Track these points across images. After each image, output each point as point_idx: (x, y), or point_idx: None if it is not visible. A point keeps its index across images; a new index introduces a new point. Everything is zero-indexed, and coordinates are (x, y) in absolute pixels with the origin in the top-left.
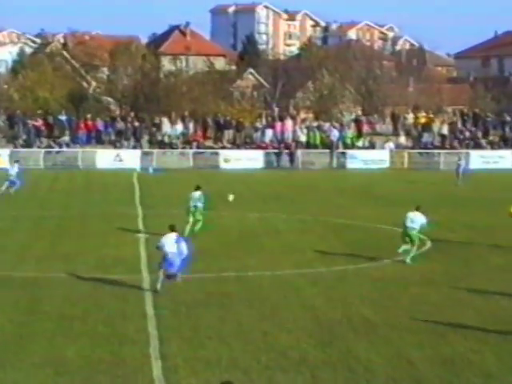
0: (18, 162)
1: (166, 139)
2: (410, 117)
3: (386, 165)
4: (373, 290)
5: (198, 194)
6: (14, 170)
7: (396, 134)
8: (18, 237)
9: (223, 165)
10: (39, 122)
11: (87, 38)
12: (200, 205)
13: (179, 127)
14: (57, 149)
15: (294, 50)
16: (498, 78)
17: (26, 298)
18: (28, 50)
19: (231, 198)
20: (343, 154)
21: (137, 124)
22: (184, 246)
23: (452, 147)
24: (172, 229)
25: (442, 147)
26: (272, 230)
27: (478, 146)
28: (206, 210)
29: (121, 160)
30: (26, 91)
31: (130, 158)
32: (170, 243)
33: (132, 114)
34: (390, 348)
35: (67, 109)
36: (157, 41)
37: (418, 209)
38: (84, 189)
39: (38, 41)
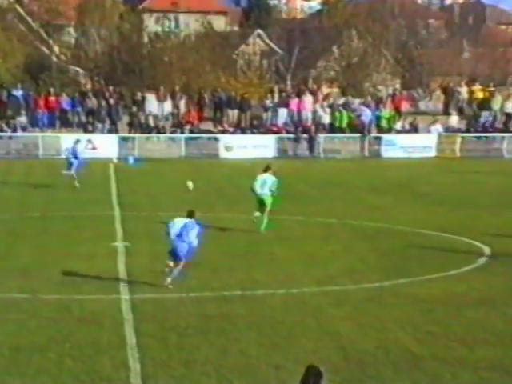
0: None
1: (151, 121)
2: (464, 91)
3: (433, 153)
4: (415, 312)
5: (267, 177)
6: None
7: (446, 113)
8: None
9: (224, 153)
10: None
11: None
12: (269, 192)
13: (168, 106)
14: (10, 133)
15: (315, 5)
16: None
17: None
18: None
19: (191, 185)
20: (378, 139)
21: (113, 101)
22: (193, 235)
23: None
24: (190, 215)
25: (506, 130)
26: (286, 237)
27: None
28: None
29: (93, 147)
30: None
31: (104, 145)
32: (176, 228)
33: (108, 88)
34: None
35: (23, 81)
36: None
37: (266, 170)
38: (46, 184)
39: None
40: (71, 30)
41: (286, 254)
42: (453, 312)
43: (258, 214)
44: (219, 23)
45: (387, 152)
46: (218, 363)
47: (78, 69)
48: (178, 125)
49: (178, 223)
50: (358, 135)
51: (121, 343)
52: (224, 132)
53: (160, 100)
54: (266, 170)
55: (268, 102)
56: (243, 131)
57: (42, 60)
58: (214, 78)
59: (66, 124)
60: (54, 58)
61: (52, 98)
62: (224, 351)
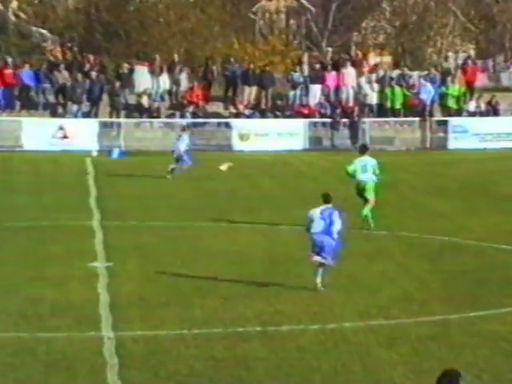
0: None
1: (144, 101)
2: None
3: None
4: (495, 356)
5: (367, 160)
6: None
7: None
8: None
9: (238, 144)
10: None
11: None
12: (373, 177)
13: (164, 81)
14: None
15: None
16: None
17: None
18: None
19: (225, 167)
20: (443, 124)
21: (93, 75)
22: (336, 223)
23: None
24: (326, 199)
25: None
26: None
27: None
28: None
29: (65, 136)
30: None
31: (80, 134)
32: (316, 221)
33: (85, 57)
34: None
35: None
36: None
37: (363, 151)
38: (2, 183)
39: None
40: None
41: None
42: None
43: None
44: None
45: (456, 141)
46: None
47: (43, 31)
48: (178, 106)
49: (316, 214)
50: (417, 119)
51: None
52: (238, 116)
53: (154, 74)
54: (363, 151)
55: (297, 76)
56: (263, 115)
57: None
58: (225, 44)
59: (29, 105)
60: (12, 17)
61: (9, 71)
62: None
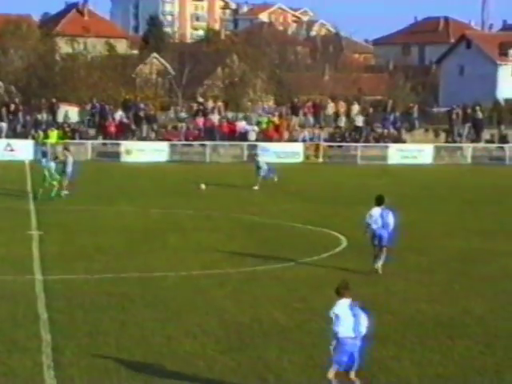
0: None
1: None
2: (331, 106)
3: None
4: (284, 292)
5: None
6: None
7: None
8: None
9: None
10: None
11: None
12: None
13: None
14: None
15: (202, 33)
16: (419, 66)
17: None
18: None
19: (203, 187)
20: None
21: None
22: (390, 218)
23: (367, 140)
24: (377, 202)
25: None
26: (175, 228)
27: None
28: None
29: (12, 150)
30: None
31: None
32: (376, 218)
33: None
34: (302, 354)
35: None
36: (51, 20)
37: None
38: None
39: None
40: None
41: (176, 243)
42: (315, 291)
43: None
44: (121, 46)
45: None
46: (118, 335)
47: None
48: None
49: (376, 213)
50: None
51: (34, 318)
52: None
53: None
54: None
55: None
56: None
57: None
58: (116, 92)
59: None
60: None
61: None
62: (123, 324)
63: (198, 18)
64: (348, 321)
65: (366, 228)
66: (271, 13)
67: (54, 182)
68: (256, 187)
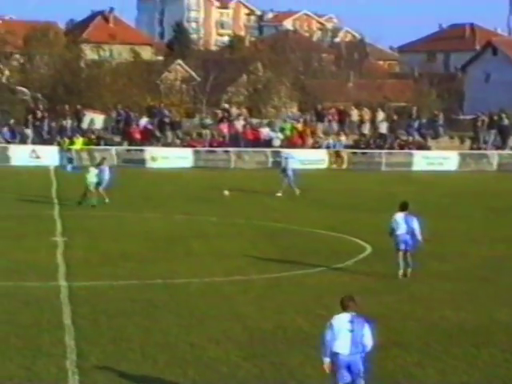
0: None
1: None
2: (355, 113)
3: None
4: (308, 298)
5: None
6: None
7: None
8: None
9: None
10: None
11: None
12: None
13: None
14: None
15: (227, 40)
16: (444, 73)
17: None
18: None
19: (227, 193)
20: None
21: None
22: (415, 224)
23: (391, 147)
24: (401, 208)
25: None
26: (199, 234)
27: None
28: None
29: (37, 157)
30: None
31: (46, 155)
32: (400, 224)
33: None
34: None
35: None
36: (77, 27)
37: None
38: None
39: None
40: (18, 56)
41: (200, 248)
42: (339, 298)
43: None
44: (146, 53)
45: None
46: (142, 341)
47: (24, 89)
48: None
49: (399, 219)
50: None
51: (59, 324)
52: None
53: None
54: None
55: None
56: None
57: None
58: (141, 98)
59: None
60: (4, 80)
61: None
62: (147, 331)
63: (222, 25)
64: (343, 336)
65: (391, 233)
66: (296, 19)
67: (95, 190)
68: (279, 194)
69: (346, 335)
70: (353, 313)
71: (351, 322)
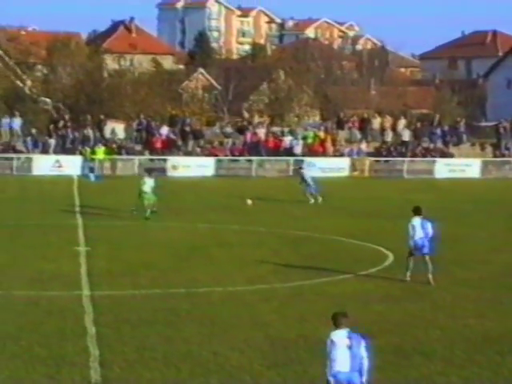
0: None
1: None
2: (377, 121)
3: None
4: (330, 306)
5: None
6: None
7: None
8: None
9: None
10: None
11: (23, 33)
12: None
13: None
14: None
15: (248, 48)
16: (466, 80)
17: None
18: None
19: (250, 202)
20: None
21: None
22: (429, 227)
23: (413, 154)
24: (416, 212)
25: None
26: (221, 243)
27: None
28: None
29: (60, 166)
30: None
31: (69, 164)
32: (418, 229)
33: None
34: None
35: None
36: (98, 37)
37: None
38: (18, 197)
39: None
40: (41, 67)
41: (220, 257)
42: (361, 306)
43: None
44: (167, 62)
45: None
46: (165, 350)
47: (47, 99)
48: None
49: (417, 223)
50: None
51: (82, 332)
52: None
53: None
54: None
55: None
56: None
57: (17, 91)
58: (162, 108)
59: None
60: (27, 90)
61: None
62: (170, 340)
63: (243, 34)
64: (342, 353)
65: (410, 239)
66: (317, 27)
67: (149, 202)
68: (311, 201)
69: (345, 352)
70: (347, 329)
71: (349, 338)
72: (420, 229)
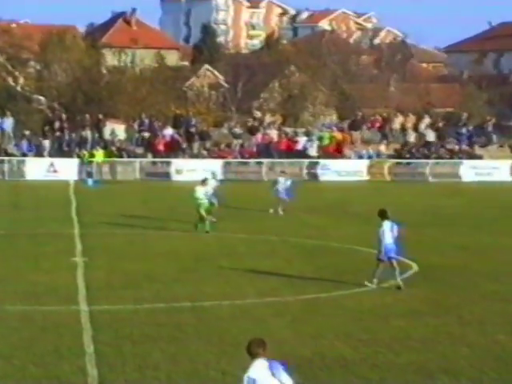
0: None
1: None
2: (398, 120)
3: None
4: (348, 322)
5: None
6: None
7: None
8: None
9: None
10: None
11: (14, 26)
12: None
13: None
14: None
15: (258, 43)
16: (495, 76)
17: None
18: None
19: (272, 211)
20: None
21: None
22: (396, 231)
23: (438, 156)
24: (384, 216)
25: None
26: (229, 253)
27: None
28: None
29: (55, 171)
30: None
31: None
32: (387, 233)
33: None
34: None
35: None
36: (96, 31)
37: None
38: (10, 204)
39: None
40: (34, 63)
41: (230, 268)
42: (381, 321)
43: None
44: (171, 58)
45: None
46: (169, 369)
47: (40, 98)
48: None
49: (387, 227)
50: None
51: (79, 351)
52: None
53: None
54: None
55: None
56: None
57: (9, 90)
58: (166, 107)
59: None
60: (19, 88)
61: None
62: (174, 358)
63: (253, 27)
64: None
65: (380, 245)
66: (332, 19)
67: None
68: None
69: (272, 382)
70: (266, 359)
71: (270, 367)
72: (389, 232)
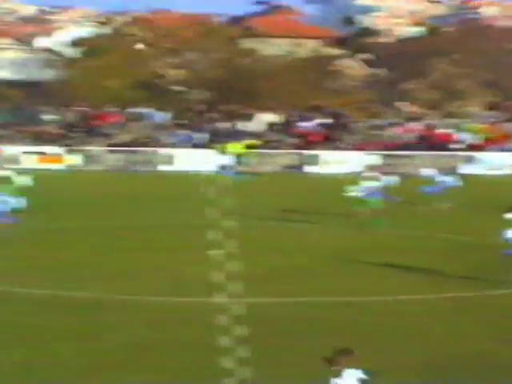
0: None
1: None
2: None
3: None
4: (500, 322)
5: None
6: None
7: None
8: (78, 252)
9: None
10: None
11: (158, 17)
12: None
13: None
14: None
15: (410, 30)
16: None
17: (88, 322)
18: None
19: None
20: None
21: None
22: None
23: None
24: None
25: None
26: (374, 248)
27: None
28: None
29: (201, 161)
30: (92, 79)
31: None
32: None
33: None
34: None
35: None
36: (242, 20)
37: None
38: (161, 195)
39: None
40: (187, 53)
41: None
42: None
43: None
44: (317, 46)
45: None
46: (312, 365)
47: (186, 89)
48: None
49: None
50: None
51: (216, 345)
52: None
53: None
54: None
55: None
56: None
57: (160, 82)
58: (313, 97)
59: None
60: (170, 80)
61: None
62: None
63: (410, 14)
64: None
65: None
66: (490, 4)
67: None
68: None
69: None
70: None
71: (359, 375)
72: None
